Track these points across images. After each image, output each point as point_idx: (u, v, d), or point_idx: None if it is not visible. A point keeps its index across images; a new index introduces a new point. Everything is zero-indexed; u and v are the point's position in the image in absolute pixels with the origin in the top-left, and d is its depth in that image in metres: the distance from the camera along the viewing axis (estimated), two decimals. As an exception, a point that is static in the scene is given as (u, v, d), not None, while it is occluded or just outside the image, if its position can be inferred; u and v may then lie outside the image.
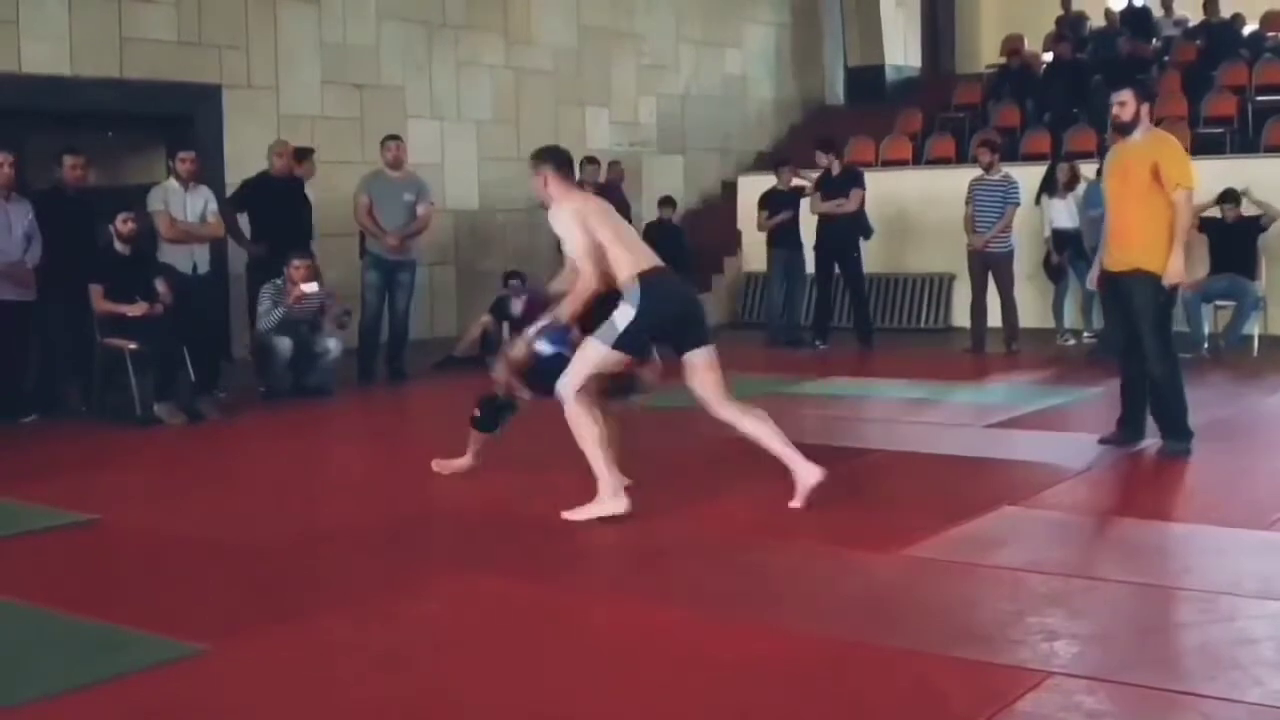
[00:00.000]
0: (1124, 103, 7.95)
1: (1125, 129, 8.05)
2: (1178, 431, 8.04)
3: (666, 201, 16.02)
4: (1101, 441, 8.25)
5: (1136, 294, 7.94)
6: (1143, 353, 8.00)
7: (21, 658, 4.90)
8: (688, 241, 16.07)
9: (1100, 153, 14.06)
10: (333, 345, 11.19)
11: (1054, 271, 14.05)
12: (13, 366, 10.36)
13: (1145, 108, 8.13)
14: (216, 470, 8.54)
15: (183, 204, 11.11)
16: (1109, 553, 6.06)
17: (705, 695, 4.33)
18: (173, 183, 11.17)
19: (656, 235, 15.64)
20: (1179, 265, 7.85)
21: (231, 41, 13.41)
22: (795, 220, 14.53)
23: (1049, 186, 13.95)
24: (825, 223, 14.20)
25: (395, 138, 12.54)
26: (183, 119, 12.98)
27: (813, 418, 9.76)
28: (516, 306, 12.66)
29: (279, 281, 11.03)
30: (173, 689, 4.51)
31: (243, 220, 11.78)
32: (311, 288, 10.99)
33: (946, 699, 4.28)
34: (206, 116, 13.17)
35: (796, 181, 14.76)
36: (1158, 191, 7.81)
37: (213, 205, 11.26)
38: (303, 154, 12.36)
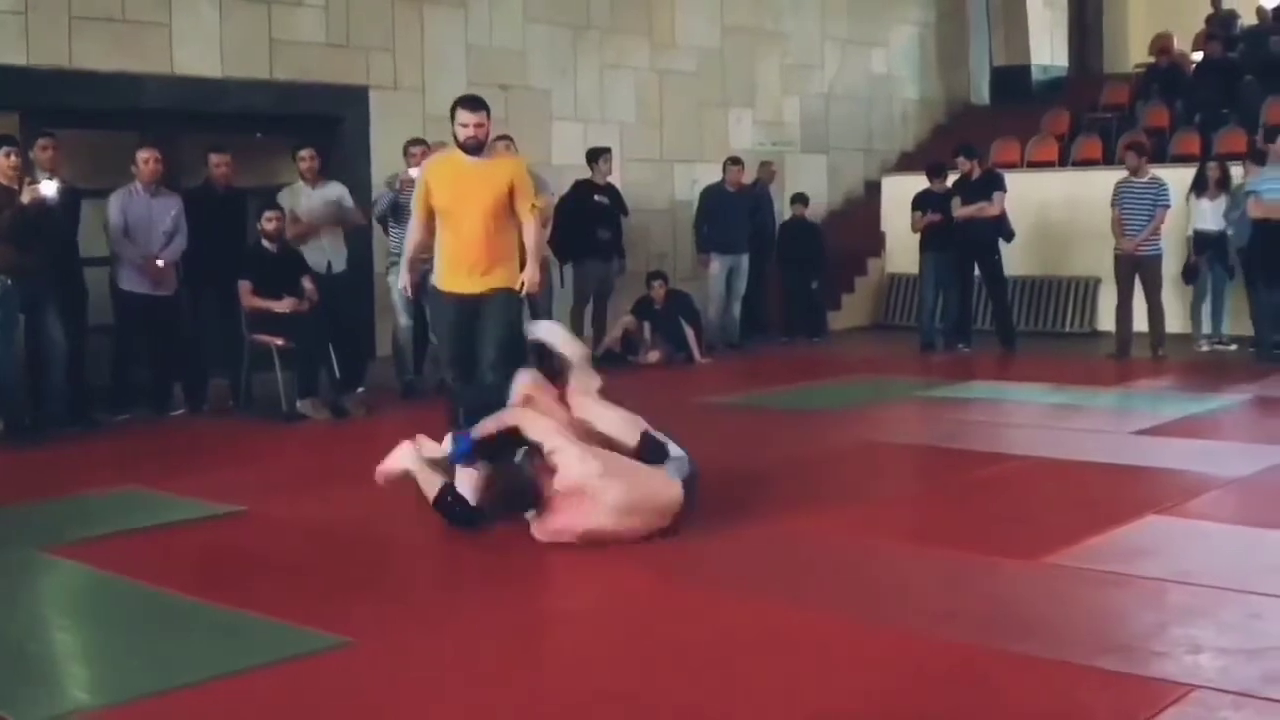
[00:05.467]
0: (481, 124, 7.67)
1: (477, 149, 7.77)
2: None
3: (799, 198, 15.91)
4: None
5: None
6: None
7: (171, 646, 5.00)
8: (824, 240, 15.98)
9: (1250, 154, 13.84)
10: None
11: (1189, 273, 13.78)
12: (158, 361, 10.60)
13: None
14: (361, 465, 8.64)
15: (309, 203, 11.25)
16: (1258, 564, 5.91)
17: (842, 700, 4.32)
18: (299, 182, 11.33)
19: (792, 234, 15.65)
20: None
21: (379, 44, 13.57)
22: (948, 222, 14.35)
23: (1198, 186, 13.71)
24: (965, 225, 14.08)
25: (506, 137, 12.46)
26: (331, 120, 13.17)
27: (954, 422, 9.71)
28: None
29: (399, 172, 11.21)
30: (319, 680, 4.59)
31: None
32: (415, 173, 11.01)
33: (1087, 711, 4.23)
34: (354, 118, 13.34)
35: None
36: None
37: (347, 202, 11.41)
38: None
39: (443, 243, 7.83)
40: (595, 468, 6.21)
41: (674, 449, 6.55)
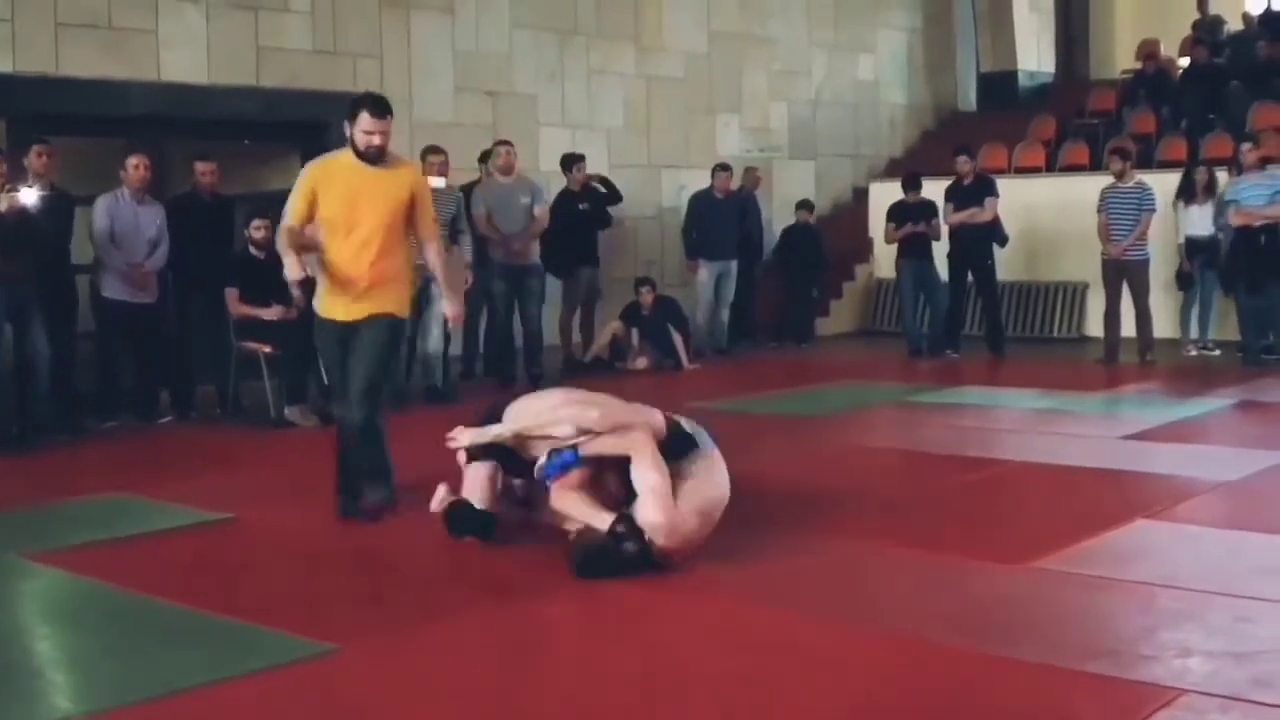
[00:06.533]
0: (385, 132, 6.90)
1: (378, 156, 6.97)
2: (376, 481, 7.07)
3: (804, 204, 16.00)
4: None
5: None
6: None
7: (157, 654, 4.98)
8: (826, 246, 15.98)
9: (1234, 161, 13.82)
10: (434, 335, 11.18)
11: (1183, 279, 13.78)
12: (143, 368, 10.58)
13: None
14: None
15: None
16: (1245, 568, 5.90)
17: (833, 703, 4.32)
18: None
19: (795, 240, 15.66)
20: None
21: (366, 50, 13.57)
22: (925, 234, 14.32)
23: (1186, 192, 13.71)
24: (958, 230, 14.09)
25: (506, 143, 12.52)
26: (318, 126, 13.14)
27: (943, 427, 9.70)
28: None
29: None
30: (304, 687, 4.58)
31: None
32: (439, 183, 10.73)
33: (1077, 715, 4.22)
34: (341, 124, 13.25)
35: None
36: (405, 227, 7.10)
37: None
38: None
39: (326, 260, 7.01)
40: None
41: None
